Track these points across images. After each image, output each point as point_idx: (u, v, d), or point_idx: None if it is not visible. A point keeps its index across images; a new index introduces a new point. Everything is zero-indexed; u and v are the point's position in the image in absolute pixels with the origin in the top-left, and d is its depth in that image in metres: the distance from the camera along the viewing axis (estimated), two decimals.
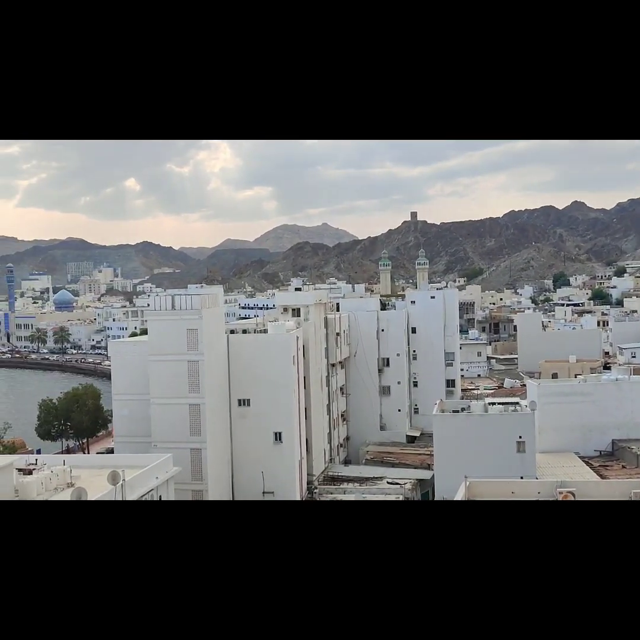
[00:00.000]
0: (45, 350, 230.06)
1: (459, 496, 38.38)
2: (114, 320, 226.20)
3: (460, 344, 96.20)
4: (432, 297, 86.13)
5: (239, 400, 57.56)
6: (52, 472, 42.87)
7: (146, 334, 59.11)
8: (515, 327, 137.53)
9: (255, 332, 62.21)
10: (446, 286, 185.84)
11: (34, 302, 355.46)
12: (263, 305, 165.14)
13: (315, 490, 61.09)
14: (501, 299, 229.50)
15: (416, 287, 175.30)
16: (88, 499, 36.94)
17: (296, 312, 66.39)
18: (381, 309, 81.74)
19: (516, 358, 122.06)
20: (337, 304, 79.96)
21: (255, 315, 78.38)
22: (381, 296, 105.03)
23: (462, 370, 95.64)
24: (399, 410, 78.79)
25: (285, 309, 67.44)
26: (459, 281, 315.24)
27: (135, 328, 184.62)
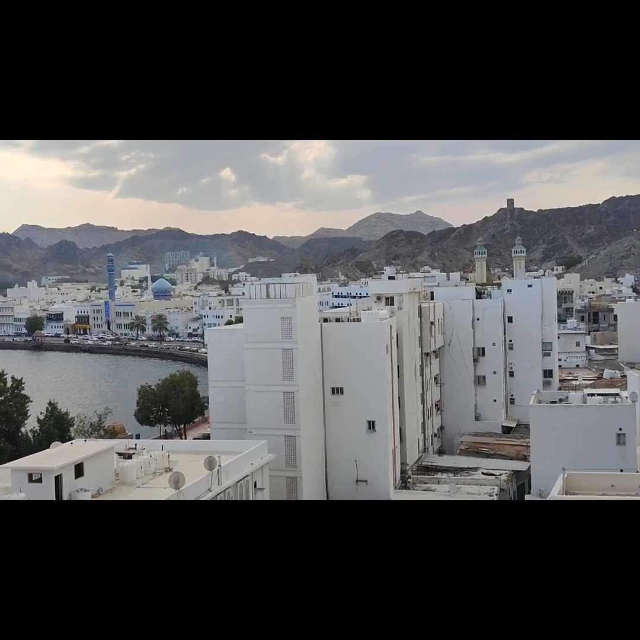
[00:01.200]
0: (144, 338, 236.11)
1: (557, 488, 37.61)
2: (210, 308, 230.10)
3: (558, 334, 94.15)
4: (529, 286, 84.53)
5: (333, 389, 57.72)
6: (151, 456, 43.91)
7: (241, 322, 59.85)
8: (615, 316, 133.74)
9: (348, 321, 62.22)
10: (544, 274, 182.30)
11: (133, 291, 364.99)
12: (356, 293, 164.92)
13: (408, 480, 60.87)
14: (601, 288, 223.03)
15: (513, 276, 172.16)
16: (185, 483, 37.72)
17: (390, 300, 66.12)
18: (476, 298, 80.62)
19: (616, 348, 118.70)
20: (432, 292, 79.28)
21: (348, 304, 78.30)
22: (476, 285, 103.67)
23: (559, 360, 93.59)
24: (495, 401, 77.73)
25: (379, 298, 67.23)
26: (557, 269, 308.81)
27: (231, 316, 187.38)
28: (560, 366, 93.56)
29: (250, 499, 44.78)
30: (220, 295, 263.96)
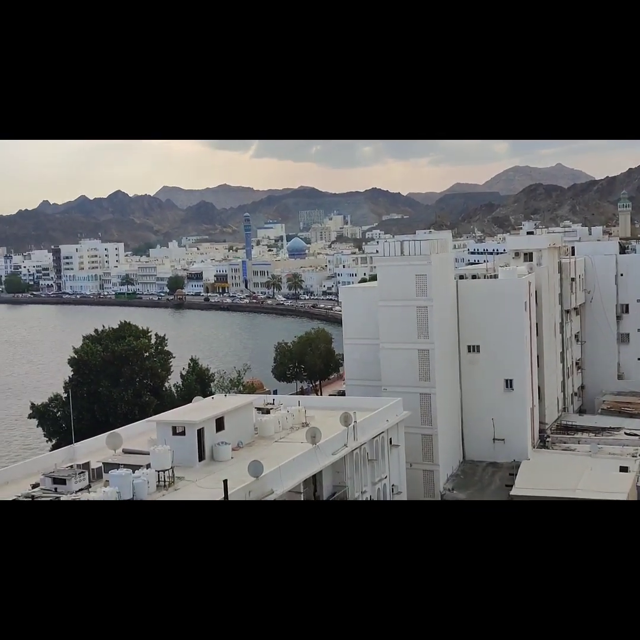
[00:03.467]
0: (280, 296, 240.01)
1: None
2: (343, 266, 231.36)
3: None
4: None
5: (468, 347, 57.04)
6: (288, 412, 44.73)
7: (375, 280, 59.77)
8: None
9: (485, 278, 61.19)
10: None
11: (269, 250, 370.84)
12: (493, 250, 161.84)
13: (547, 439, 59.68)
14: None
15: None
16: (322, 438, 38.23)
17: (528, 256, 64.48)
18: (620, 253, 77.55)
19: None
20: (572, 247, 76.72)
21: (485, 261, 77.06)
22: (620, 239, 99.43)
23: None
24: (639, 359, 74.94)
25: (517, 254, 65.70)
26: None
27: (365, 274, 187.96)
28: None
29: (386, 455, 45.03)
30: (354, 253, 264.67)
